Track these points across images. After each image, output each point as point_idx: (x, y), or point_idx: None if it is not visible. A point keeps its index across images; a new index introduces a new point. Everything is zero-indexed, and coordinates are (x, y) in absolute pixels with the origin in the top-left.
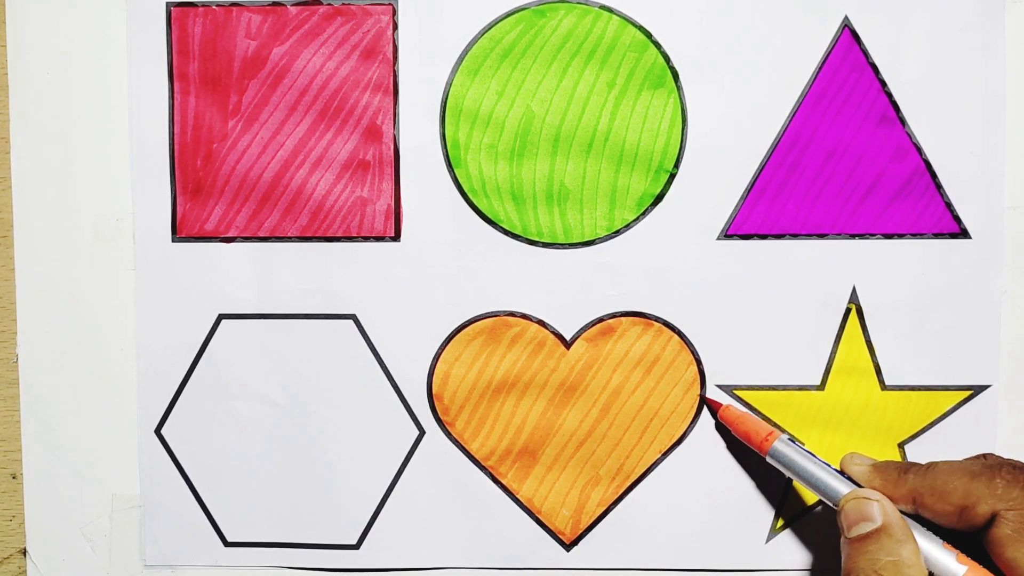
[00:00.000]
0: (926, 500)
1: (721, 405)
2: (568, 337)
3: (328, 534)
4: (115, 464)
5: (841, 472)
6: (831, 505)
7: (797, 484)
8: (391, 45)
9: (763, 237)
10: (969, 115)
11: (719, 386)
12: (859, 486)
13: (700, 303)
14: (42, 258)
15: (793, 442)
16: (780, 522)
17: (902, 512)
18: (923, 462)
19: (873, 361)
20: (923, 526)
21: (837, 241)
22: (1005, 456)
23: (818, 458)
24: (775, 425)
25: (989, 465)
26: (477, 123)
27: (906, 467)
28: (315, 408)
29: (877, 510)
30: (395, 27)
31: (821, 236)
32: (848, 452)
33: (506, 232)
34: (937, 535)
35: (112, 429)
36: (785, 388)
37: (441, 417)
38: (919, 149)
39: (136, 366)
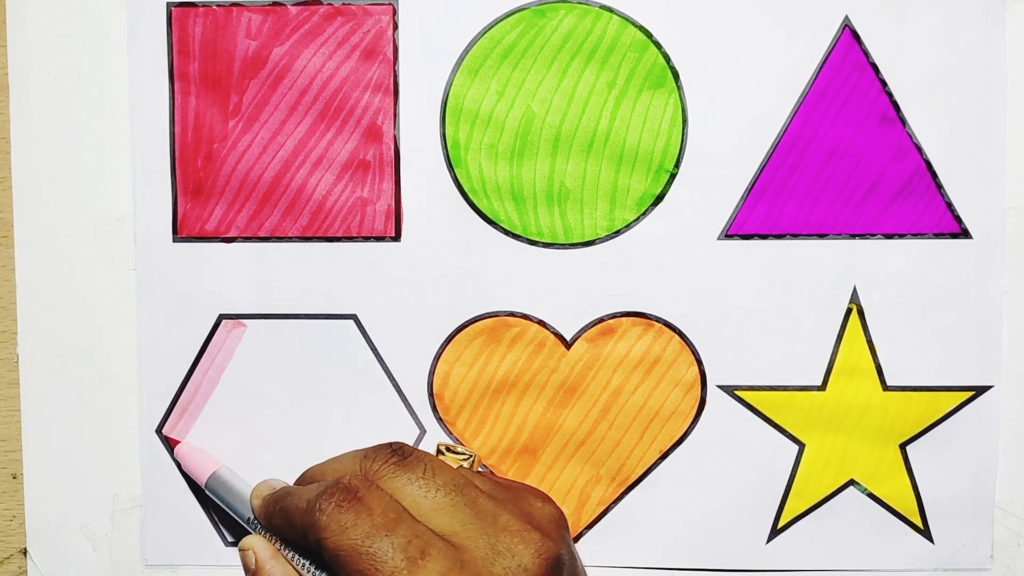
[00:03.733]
0: (285, 533)
1: (178, 442)
2: (568, 337)
3: None
4: (116, 464)
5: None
6: None
7: (797, 485)
8: (391, 45)
9: (764, 237)
10: (970, 115)
11: (720, 386)
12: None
13: (701, 303)
14: (43, 258)
15: (231, 474)
16: (781, 523)
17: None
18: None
19: (874, 361)
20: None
21: (838, 241)
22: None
23: (250, 488)
24: (775, 427)
25: (320, 489)
26: (477, 123)
27: (282, 495)
28: (316, 408)
29: (250, 558)
30: (395, 27)
31: (822, 236)
32: (263, 481)
33: (506, 232)
34: None
35: (113, 429)
36: (786, 388)
37: (442, 416)
38: (920, 149)
39: (137, 366)
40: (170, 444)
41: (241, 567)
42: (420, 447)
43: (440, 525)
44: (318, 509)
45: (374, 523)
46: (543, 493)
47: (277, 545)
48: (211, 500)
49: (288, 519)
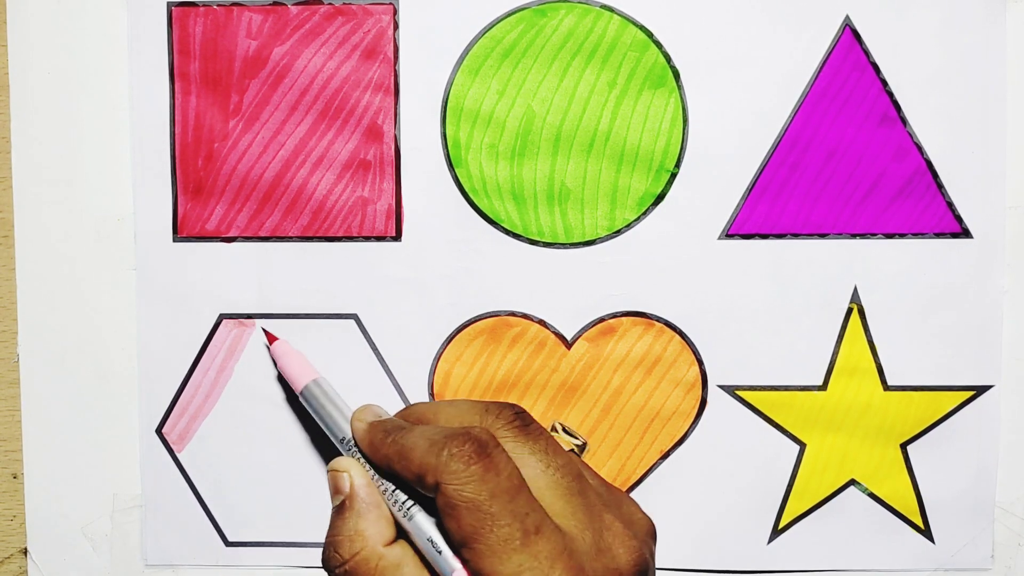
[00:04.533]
0: (395, 466)
1: (276, 339)
2: (569, 337)
3: None
4: (116, 464)
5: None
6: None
7: (797, 485)
8: (392, 45)
9: (764, 237)
10: (970, 114)
11: (721, 386)
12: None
13: (701, 303)
14: (43, 258)
15: (329, 386)
16: (782, 523)
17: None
18: (429, 417)
19: (875, 361)
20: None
21: (838, 241)
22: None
23: (347, 407)
24: (776, 427)
25: (448, 433)
26: (478, 123)
27: (394, 428)
28: None
29: (344, 481)
30: (396, 27)
31: (822, 236)
32: (366, 405)
33: (507, 232)
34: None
35: (113, 429)
36: (787, 388)
37: None
38: (920, 149)
39: (137, 366)
40: (268, 339)
41: (241, 565)
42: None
43: (552, 506)
44: (447, 453)
45: (500, 484)
46: (636, 502)
47: (371, 473)
48: (212, 500)
49: (404, 455)
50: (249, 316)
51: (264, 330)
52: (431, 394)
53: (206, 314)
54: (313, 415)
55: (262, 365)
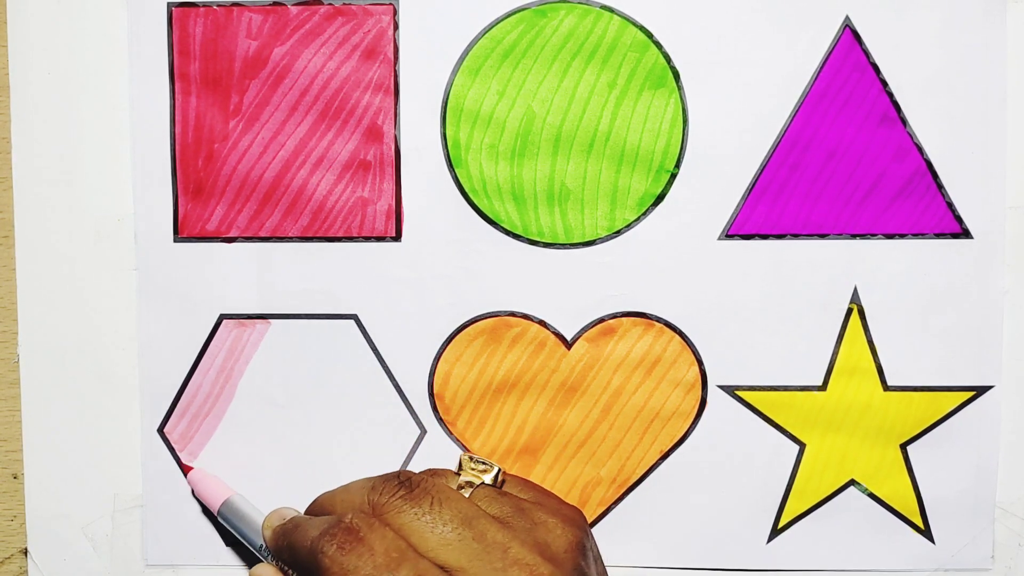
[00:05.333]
0: (294, 566)
1: (191, 468)
2: (569, 337)
3: None
4: (117, 464)
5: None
6: None
7: (797, 485)
8: (392, 45)
9: (764, 237)
10: (970, 115)
11: (721, 387)
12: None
13: (701, 303)
14: (43, 258)
15: (244, 502)
16: (782, 523)
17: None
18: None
19: (875, 361)
20: None
21: (838, 241)
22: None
23: (255, 518)
24: (776, 427)
25: (324, 526)
26: (478, 123)
27: (291, 528)
28: (317, 408)
29: None
30: (396, 27)
31: (822, 236)
32: (276, 510)
33: (507, 232)
34: None
35: (114, 429)
36: (787, 389)
37: (442, 417)
38: (920, 149)
39: (138, 366)
40: (183, 469)
41: (242, 565)
42: (423, 446)
43: (447, 560)
44: (320, 551)
45: (375, 563)
46: (570, 511)
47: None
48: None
49: (294, 555)
50: (250, 316)
51: (178, 462)
52: (431, 394)
53: (206, 314)
54: (233, 532)
55: (263, 365)
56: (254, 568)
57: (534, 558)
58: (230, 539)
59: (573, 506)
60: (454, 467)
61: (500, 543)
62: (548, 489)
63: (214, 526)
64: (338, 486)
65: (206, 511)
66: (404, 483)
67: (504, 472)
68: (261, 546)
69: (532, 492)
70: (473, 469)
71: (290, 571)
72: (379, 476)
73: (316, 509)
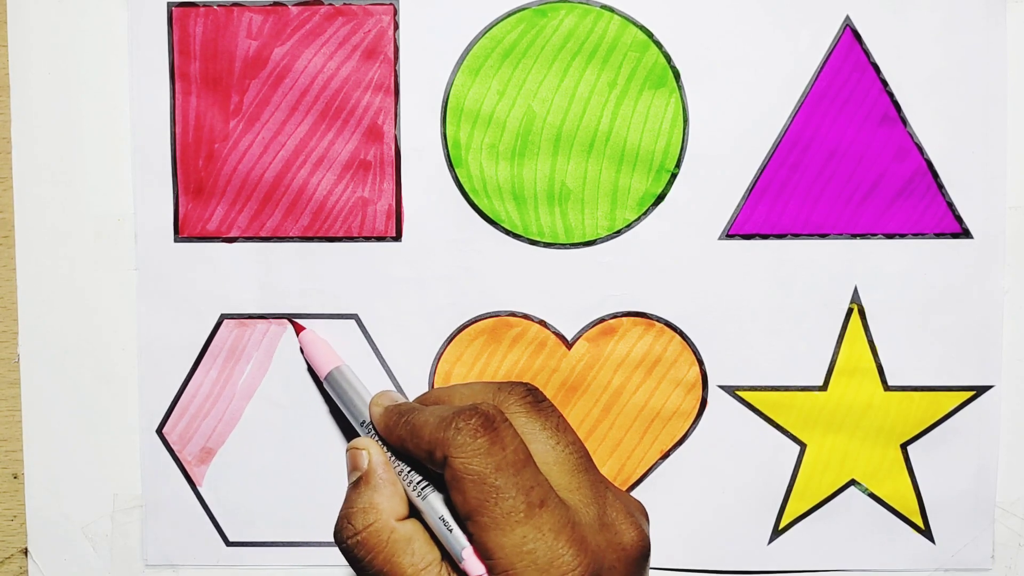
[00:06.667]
0: (408, 444)
1: (303, 328)
2: (569, 337)
3: (330, 532)
4: (117, 464)
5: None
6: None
7: (798, 485)
8: (392, 45)
9: (765, 237)
10: (971, 115)
11: (721, 387)
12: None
13: (702, 303)
14: (43, 258)
15: (351, 373)
16: (782, 523)
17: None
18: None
19: (876, 361)
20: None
21: (839, 241)
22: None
23: (368, 393)
24: (777, 427)
25: (456, 410)
26: (478, 123)
27: (408, 409)
28: (317, 408)
29: (363, 458)
30: (396, 27)
31: (823, 236)
32: (384, 391)
33: (507, 232)
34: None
35: (114, 429)
36: (787, 389)
37: None
38: (920, 149)
39: (138, 366)
40: (296, 329)
41: (242, 565)
42: None
43: (558, 481)
44: (454, 427)
45: (506, 458)
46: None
47: (388, 454)
48: (212, 500)
49: (415, 432)
50: (250, 316)
51: (291, 320)
52: None
53: (207, 314)
54: (336, 400)
55: (263, 365)
56: (358, 440)
57: (627, 508)
58: (230, 539)
59: None
60: None
61: (602, 483)
62: None
63: (211, 523)
64: (449, 385)
65: (197, 491)
66: (532, 391)
67: None
68: (363, 421)
69: None
70: None
71: (388, 451)
72: (505, 381)
73: (430, 400)
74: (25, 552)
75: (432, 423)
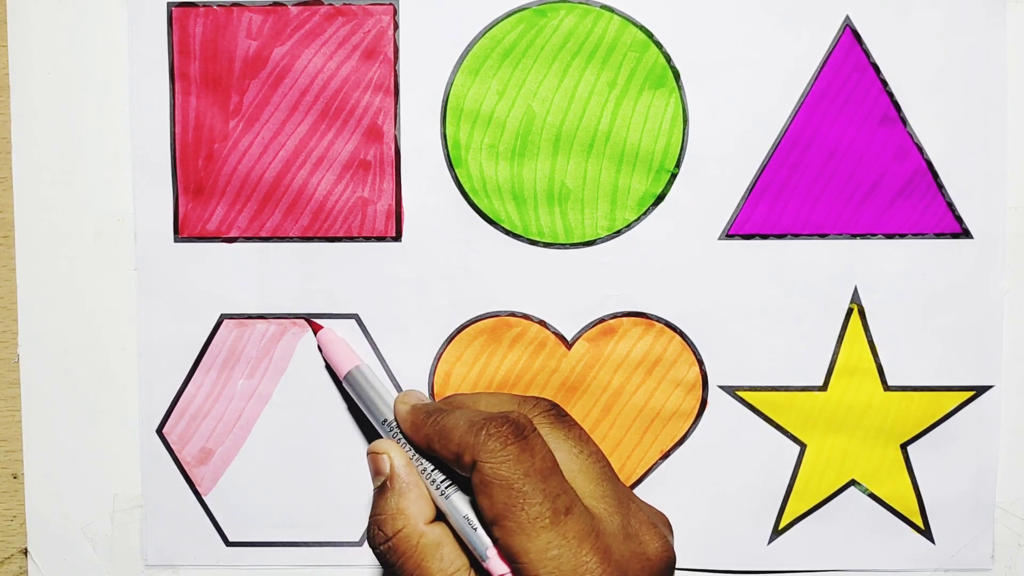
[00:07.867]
0: (435, 445)
1: (321, 327)
2: (569, 337)
3: (330, 532)
4: (116, 464)
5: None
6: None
7: (798, 485)
8: (392, 45)
9: (764, 237)
10: (971, 115)
11: (721, 387)
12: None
13: (702, 303)
14: (43, 258)
15: (371, 372)
16: (782, 523)
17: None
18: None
19: (875, 361)
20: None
21: (839, 241)
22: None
23: (388, 392)
24: (777, 427)
25: (488, 416)
26: (478, 123)
27: (435, 410)
28: (317, 407)
29: (384, 462)
30: (396, 27)
31: (823, 236)
32: (409, 390)
33: (507, 232)
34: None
35: (113, 429)
36: (787, 389)
37: None
38: (920, 149)
39: (137, 366)
40: (313, 328)
41: (242, 565)
42: None
43: (583, 489)
44: (486, 433)
45: (534, 465)
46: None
47: (410, 454)
48: (212, 500)
49: (444, 434)
50: (250, 316)
51: (308, 320)
52: (431, 394)
53: (207, 314)
54: (355, 399)
55: (263, 365)
56: (378, 442)
57: (650, 519)
58: (230, 539)
59: None
60: None
61: (626, 493)
62: None
63: (211, 523)
64: (469, 392)
65: (198, 496)
66: (555, 406)
67: None
68: (384, 420)
69: None
70: None
71: (410, 450)
72: (526, 395)
73: (455, 404)
74: (25, 552)
75: (463, 427)
